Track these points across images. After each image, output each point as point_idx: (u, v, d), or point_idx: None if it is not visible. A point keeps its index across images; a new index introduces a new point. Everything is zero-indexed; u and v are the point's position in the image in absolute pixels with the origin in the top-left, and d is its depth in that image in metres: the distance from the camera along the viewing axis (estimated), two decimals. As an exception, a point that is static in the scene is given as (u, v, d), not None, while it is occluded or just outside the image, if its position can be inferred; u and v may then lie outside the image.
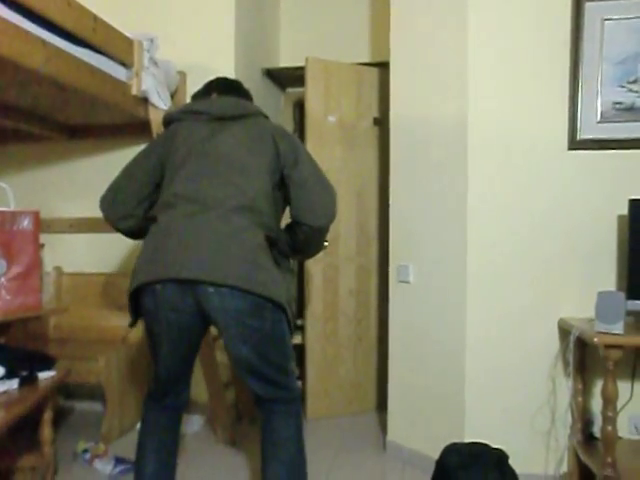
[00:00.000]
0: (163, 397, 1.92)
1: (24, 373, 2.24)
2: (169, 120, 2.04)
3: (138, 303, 1.84)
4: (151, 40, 2.70)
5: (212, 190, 1.79)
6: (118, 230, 2.04)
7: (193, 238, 1.72)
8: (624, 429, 2.31)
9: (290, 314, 1.83)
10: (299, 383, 3.40)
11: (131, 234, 2.06)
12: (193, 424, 3.12)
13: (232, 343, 1.76)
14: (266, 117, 2.06)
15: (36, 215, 2.51)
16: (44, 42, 1.97)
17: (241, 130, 1.92)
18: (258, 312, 1.74)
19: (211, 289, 1.69)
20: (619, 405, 2.01)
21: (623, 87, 2.31)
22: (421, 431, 2.64)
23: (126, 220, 1.99)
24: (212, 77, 3.25)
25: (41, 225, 2.60)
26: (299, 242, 2.00)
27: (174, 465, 1.98)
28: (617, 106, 2.31)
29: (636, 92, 2.29)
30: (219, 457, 2.75)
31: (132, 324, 1.92)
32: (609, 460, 1.96)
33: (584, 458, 2.19)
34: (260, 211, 1.81)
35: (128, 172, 1.99)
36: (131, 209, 1.96)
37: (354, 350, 3.43)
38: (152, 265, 1.75)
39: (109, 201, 1.99)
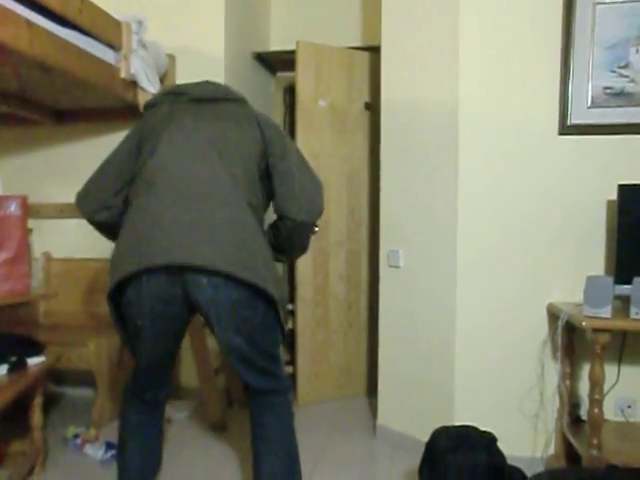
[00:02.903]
0: (143, 392, 1.83)
1: (13, 359, 2.23)
2: (147, 105, 1.92)
3: (118, 302, 1.70)
4: (139, 22, 2.66)
5: (198, 169, 1.67)
6: (94, 225, 1.89)
7: (181, 222, 1.59)
8: (610, 411, 2.35)
9: (282, 311, 1.73)
10: (290, 368, 3.44)
11: (108, 229, 1.90)
12: (183, 410, 3.13)
13: (223, 333, 1.67)
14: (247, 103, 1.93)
15: (24, 200, 2.49)
16: (29, 22, 1.93)
17: (224, 112, 1.80)
18: (252, 303, 1.65)
19: (204, 280, 1.59)
20: (606, 388, 2.03)
21: (614, 72, 2.30)
22: (411, 415, 2.66)
23: (101, 212, 1.83)
24: (202, 61, 3.25)
25: (30, 210, 2.58)
26: (281, 239, 1.90)
27: (159, 459, 1.92)
28: (607, 91, 2.31)
29: (627, 77, 2.29)
30: (210, 442, 2.76)
31: (123, 338, 1.78)
32: (595, 441, 1.99)
33: (571, 440, 2.22)
34: (250, 193, 1.72)
35: (103, 164, 1.86)
36: (106, 199, 1.81)
37: (344, 335, 3.45)
38: (137, 253, 1.60)
39: (82, 196, 1.86)
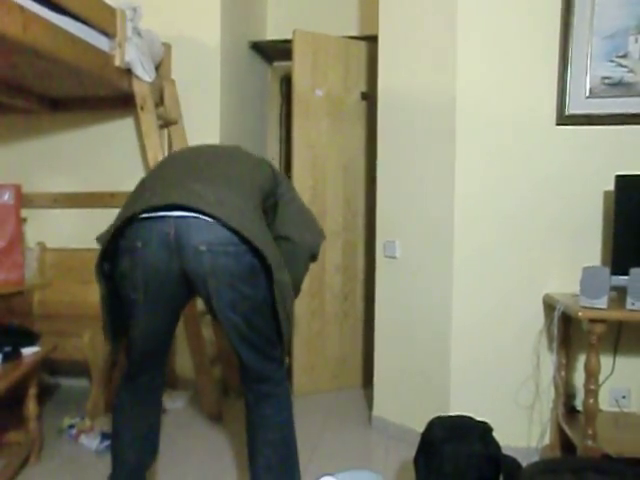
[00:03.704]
0: (138, 374, 1.78)
1: (7, 349, 2.22)
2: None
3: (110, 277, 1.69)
4: (134, 9, 2.63)
5: (204, 181, 1.66)
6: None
7: (185, 186, 1.59)
8: (605, 402, 2.36)
9: (280, 304, 1.66)
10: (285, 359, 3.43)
11: None
12: (179, 399, 3.12)
13: (221, 310, 1.62)
14: None
15: (17, 189, 2.47)
16: (22, 8, 1.91)
17: (237, 153, 1.84)
18: (252, 277, 1.61)
19: (203, 247, 1.54)
20: (601, 379, 2.03)
21: (612, 62, 2.29)
22: (407, 406, 2.67)
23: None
24: (197, 49, 3.23)
25: (24, 200, 2.56)
26: None
27: (155, 450, 1.87)
28: (606, 81, 2.30)
29: (625, 67, 2.28)
30: (205, 432, 2.76)
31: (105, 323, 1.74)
32: (590, 432, 2.00)
33: (566, 430, 2.22)
34: (256, 205, 1.71)
35: None
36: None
37: (340, 326, 3.45)
38: (130, 209, 1.59)
39: (100, 235, 1.80)
